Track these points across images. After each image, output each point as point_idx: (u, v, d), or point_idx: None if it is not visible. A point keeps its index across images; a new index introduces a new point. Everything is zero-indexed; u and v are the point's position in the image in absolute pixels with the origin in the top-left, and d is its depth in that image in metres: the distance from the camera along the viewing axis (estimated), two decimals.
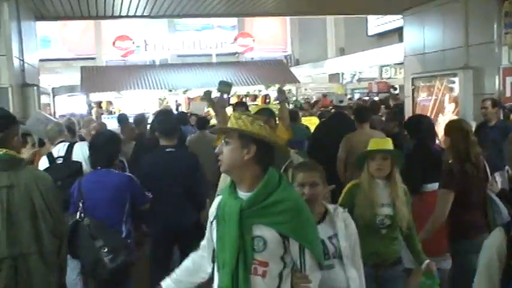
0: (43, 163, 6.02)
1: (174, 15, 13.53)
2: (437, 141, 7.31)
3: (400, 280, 4.53)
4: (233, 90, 10.07)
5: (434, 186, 5.46)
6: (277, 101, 8.90)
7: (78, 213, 5.00)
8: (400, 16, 13.37)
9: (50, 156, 6.10)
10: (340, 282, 3.62)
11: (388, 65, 23.72)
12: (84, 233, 4.92)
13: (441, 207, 5.11)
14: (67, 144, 6.25)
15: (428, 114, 10.75)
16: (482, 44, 9.81)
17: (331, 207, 3.82)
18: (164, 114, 7.10)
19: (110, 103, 23.38)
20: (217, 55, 27.93)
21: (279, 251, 2.94)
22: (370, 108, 10.74)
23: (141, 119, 10.82)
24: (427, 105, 11.21)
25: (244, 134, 2.97)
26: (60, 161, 6.05)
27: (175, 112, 16.08)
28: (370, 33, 26.11)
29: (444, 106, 10.68)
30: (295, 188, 3.63)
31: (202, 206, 6.09)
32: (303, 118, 12.89)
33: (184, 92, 23.40)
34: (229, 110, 10.02)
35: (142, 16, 12.77)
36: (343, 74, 28.89)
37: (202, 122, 9.97)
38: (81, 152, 6.01)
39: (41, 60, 12.75)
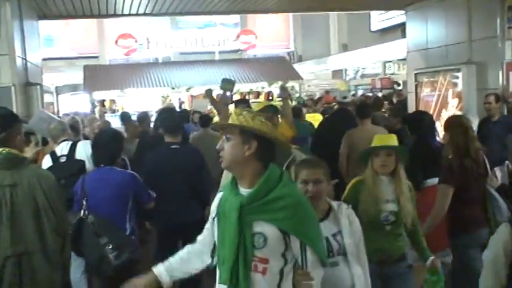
0: (46, 162, 6.04)
1: (176, 13, 13.54)
2: (437, 138, 7.30)
3: (405, 276, 4.49)
4: (236, 87, 10.05)
5: (434, 181, 5.49)
6: (280, 98, 8.90)
7: (82, 211, 5.01)
8: (403, 12, 13.33)
9: (53, 155, 6.12)
10: (345, 279, 3.59)
11: (391, 61, 23.66)
12: (88, 231, 4.93)
13: (441, 202, 5.16)
14: (70, 142, 6.28)
15: (431, 110, 10.76)
16: (486, 39, 9.78)
17: (335, 204, 3.79)
18: (168, 112, 7.13)
19: (113, 101, 23.39)
20: (219, 52, 27.94)
21: (279, 247, 2.93)
22: (372, 104, 10.73)
23: (144, 116, 10.85)
24: (430, 101, 11.18)
25: (245, 130, 2.96)
26: (63, 159, 6.08)
27: (177, 110, 16.05)
28: (373, 29, 26.01)
29: (447, 101, 10.66)
30: (298, 185, 3.63)
31: (207, 204, 6.09)
32: (306, 115, 12.88)
33: (187, 89, 23.39)
34: (232, 108, 10.02)
35: (144, 14, 12.76)
36: (346, 70, 28.83)
37: (206, 120, 9.96)
38: (84, 151, 6.03)
39: (44, 59, 12.79)
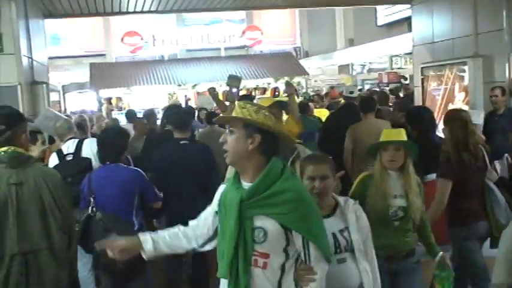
0: (53, 160, 6.06)
1: (182, 10, 13.53)
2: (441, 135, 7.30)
3: (413, 272, 4.46)
4: (242, 83, 10.06)
5: (433, 176, 5.50)
6: (286, 94, 8.89)
7: (90, 208, 5.04)
8: (409, 5, 13.29)
9: (59, 153, 6.13)
10: (352, 276, 3.55)
11: (398, 55, 23.59)
12: (97, 228, 4.95)
13: (440, 196, 5.19)
14: (76, 141, 6.29)
15: (438, 104, 10.74)
16: (492, 32, 9.72)
17: (341, 199, 3.76)
18: (176, 108, 7.17)
19: (119, 99, 23.43)
20: (225, 49, 27.91)
21: (280, 242, 2.91)
22: (376, 99, 10.70)
23: (150, 114, 10.87)
24: (437, 95, 11.14)
25: (248, 124, 2.94)
26: (69, 157, 6.09)
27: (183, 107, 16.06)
28: (379, 23, 25.92)
29: (454, 95, 10.61)
30: (304, 182, 3.60)
31: None
32: (314, 110, 12.86)
33: (193, 86, 23.41)
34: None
35: (150, 11, 12.79)
36: (353, 65, 28.75)
37: (212, 117, 9.95)
38: (90, 148, 6.05)
39: (51, 58, 12.83)
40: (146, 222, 5.70)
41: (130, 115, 11.52)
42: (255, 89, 23.64)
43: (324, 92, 22.03)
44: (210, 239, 3.29)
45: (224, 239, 2.97)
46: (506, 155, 6.03)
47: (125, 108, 19.87)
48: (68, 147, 6.21)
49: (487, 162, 5.42)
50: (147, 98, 22.62)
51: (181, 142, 6.17)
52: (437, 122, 7.76)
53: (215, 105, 15.58)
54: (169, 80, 23.13)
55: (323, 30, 32.80)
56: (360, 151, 7.20)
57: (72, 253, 4.06)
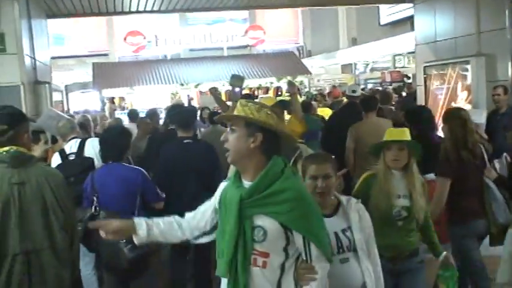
0: (55, 160, 6.07)
1: (184, 9, 13.54)
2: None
3: (417, 272, 4.44)
4: (245, 83, 10.06)
5: (432, 175, 5.49)
6: (288, 94, 8.89)
7: (93, 207, 5.06)
8: (411, 4, 13.27)
9: (62, 152, 6.14)
10: (355, 275, 3.55)
11: (401, 54, 23.54)
12: None
13: (438, 195, 5.20)
14: (79, 140, 6.30)
15: (441, 103, 10.72)
16: (494, 31, 9.72)
17: (344, 199, 3.75)
18: (179, 107, 7.19)
19: (122, 99, 23.41)
20: (228, 48, 27.90)
21: (280, 242, 2.89)
22: (378, 98, 10.68)
23: (153, 113, 10.88)
24: (439, 94, 11.13)
25: (250, 122, 2.92)
26: (72, 157, 6.09)
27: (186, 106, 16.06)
28: (382, 22, 25.90)
29: (457, 94, 10.60)
30: (307, 181, 3.60)
31: None
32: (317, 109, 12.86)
33: (196, 86, 23.38)
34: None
35: (153, 11, 12.80)
36: (355, 64, 28.70)
37: (215, 116, 9.96)
38: (92, 148, 6.06)
39: (54, 58, 12.83)
40: None
41: (133, 115, 11.52)
42: (258, 88, 23.59)
43: (326, 91, 22.02)
44: (205, 233, 3.27)
45: (224, 238, 2.95)
46: (505, 154, 6.04)
47: (127, 108, 19.84)
48: (71, 147, 6.22)
49: (486, 160, 5.44)
50: (150, 97, 22.56)
51: (185, 141, 6.18)
52: (440, 121, 7.75)
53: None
54: (172, 79, 23.07)
55: (326, 29, 32.78)
56: (361, 150, 7.20)
57: (75, 252, 4.06)
